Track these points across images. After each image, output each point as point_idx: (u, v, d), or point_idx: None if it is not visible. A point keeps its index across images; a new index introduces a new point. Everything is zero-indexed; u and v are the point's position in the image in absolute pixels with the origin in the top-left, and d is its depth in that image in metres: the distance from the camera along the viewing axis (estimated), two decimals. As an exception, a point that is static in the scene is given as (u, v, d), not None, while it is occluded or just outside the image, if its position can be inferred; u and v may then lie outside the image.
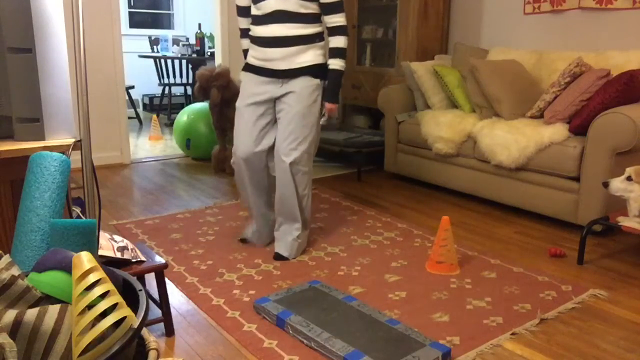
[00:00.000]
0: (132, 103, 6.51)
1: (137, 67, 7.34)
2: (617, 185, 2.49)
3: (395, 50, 4.69)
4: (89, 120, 1.68)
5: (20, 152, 1.57)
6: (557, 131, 3.08)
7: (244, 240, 2.81)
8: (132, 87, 6.63)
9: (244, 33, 2.64)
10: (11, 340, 0.84)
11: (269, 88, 2.52)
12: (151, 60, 7.32)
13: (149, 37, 7.25)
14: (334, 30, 2.50)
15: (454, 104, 3.90)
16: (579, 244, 2.64)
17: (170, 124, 6.68)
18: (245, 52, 2.65)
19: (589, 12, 3.70)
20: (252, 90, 2.54)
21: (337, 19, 2.48)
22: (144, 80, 7.45)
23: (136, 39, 7.39)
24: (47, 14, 1.58)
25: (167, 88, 6.85)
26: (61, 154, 1.28)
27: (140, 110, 7.49)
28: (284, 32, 2.42)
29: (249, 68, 2.56)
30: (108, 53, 4.32)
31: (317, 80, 2.52)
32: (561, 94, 3.25)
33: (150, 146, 5.39)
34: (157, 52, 7.13)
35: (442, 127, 3.60)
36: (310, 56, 2.49)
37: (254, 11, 2.46)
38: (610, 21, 3.60)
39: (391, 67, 4.83)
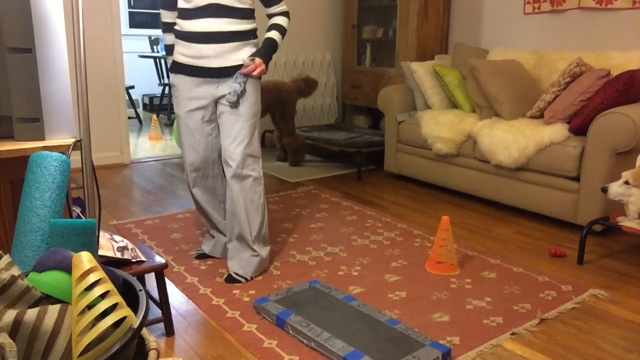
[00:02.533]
0: (132, 103, 6.51)
1: (137, 67, 7.34)
2: (616, 190, 2.49)
3: (395, 50, 4.69)
4: (89, 120, 1.68)
5: (20, 152, 1.57)
6: (557, 131, 3.08)
7: (202, 256, 2.62)
8: (132, 87, 6.63)
9: (168, 27, 2.41)
10: (11, 340, 0.84)
11: (206, 90, 2.32)
12: (151, 60, 7.32)
13: (149, 37, 7.25)
14: (279, 14, 2.36)
15: (454, 104, 3.90)
16: (579, 244, 2.64)
17: (170, 124, 6.67)
18: (169, 47, 2.43)
19: (589, 12, 3.70)
20: (188, 94, 2.34)
21: (281, 7, 2.36)
22: (144, 80, 7.45)
23: (136, 39, 7.39)
24: (47, 14, 1.58)
25: (167, 88, 6.84)
26: (61, 154, 1.28)
27: (140, 110, 7.49)
28: (218, 27, 2.23)
29: (178, 68, 2.34)
30: (108, 53, 4.32)
31: (253, 79, 2.34)
32: (561, 94, 3.25)
33: (150, 146, 5.39)
34: (157, 52, 7.13)
35: (442, 127, 3.60)
36: (246, 54, 2.31)
37: (183, 4, 2.25)
38: (610, 21, 3.60)
39: (391, 67, 4.83)
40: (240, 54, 2.29)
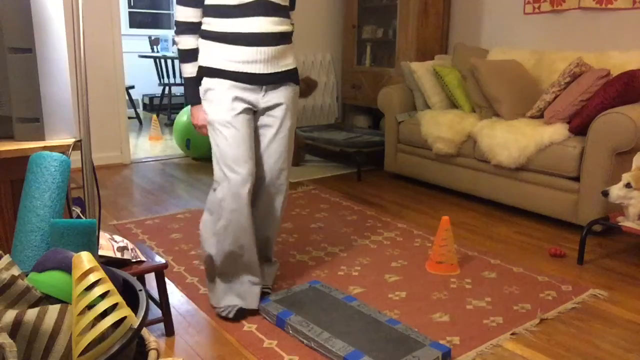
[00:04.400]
0: (132, 103, 6.51)
1: (137, 67, 7.34)
2: (617, 193, 2.49)
3: (395, 50, 4.69)
4: (89, 120, 1.68)
5: (20, 152, 1.57)
6: (557, 131, 3.08)
7: (239, 315, 2.08)
8: (132, 87, 6.63)
9: (190, 28, 2.02)
10: (11, 340, 0.84)
11: (251, 97, 2.02)
12: (151, 60, 7.32)
13: (149, 37, 7.25)
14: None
15: (454, 104, 3.90)
16: (579, 244, 2.64)
17: (170, 124, 6.67)
18: (189, 53, 2.04)
19: (589, 12, 3.70)
20: (232, 95, 1.99)
21: (292, 17, 2.18)
22: (144, 80, 7.45)
23: (136, 39, 7.39)
24: (47, 14, 1.58)
25: (167, 88, 6.84)
26: (61, 154, 1.28)
27: (140, 110, 7.49)
28: (269, 27, 1.97)
29: (220, 73, 1.99)
30: (108, 53, 4.32)
31: (298, 88, 2.16)
32: (561, 94, 3.25)
33: (150, 146, 5.39)
34: (157, 52, 7.13)
35: (442, 127, 3.60)
36: (291, 58, 2.10)
37: (223, 0, 1.94)
38: (610, 21, 3.60)
39: (391, 67, 4.83)
40: (288, 59, 2.07)
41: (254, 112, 2.06)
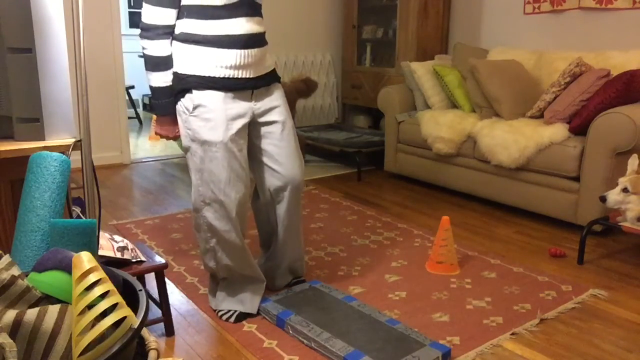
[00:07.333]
0: (132, 103, 6.51)
1: (137, 67, 7.34)
2: (615, 198, 2.49)
3: (395, 50, 4.69)
4: (89, 120, 1.68)
5: (20, 152, 1.57)
6: (557, 131, 3.08)
7: (239, 319, 2.06)
8: (132, 87, 6.63)
9: (166, 32, 1.87)
10: (11, 340, 0.84)
11: (243, 106, 1.93)
12: (151, 60, 7.31)
13: (149, 37, 7.24)
14: None
15: (454, 104, 3.90)
16: (579, 244, 2.64)
17: (170, 124, 6.66)
18: (163, 59, 1.89)
19: (589, 12, 3.70)
20: (226, 114, 1.89)
21: None
22: (144, 80, 7.44)
23: (136, 39, 7.38)
24: (47, 14, 1.58)
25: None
26: (61, 154, 1.28)
27: (140, 110, 7.49)
28: (254, 28, 1.90)
29: (211, 83, 1.87)
30: (108, 53, 4.32)
31: (281, 84, 2.11)
32: (561, 94, 3.25)
33: (150, 146, 5.39)
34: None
35: (442, 127, 3.60)
36: (270, 59, 2.05)
37: (206, 1, 1.81)
38: (610, 21, 3.60)
39: (391, 67, 4.83)
40: (267, 60, 2.03)
41: (249, 123, 1.99)
